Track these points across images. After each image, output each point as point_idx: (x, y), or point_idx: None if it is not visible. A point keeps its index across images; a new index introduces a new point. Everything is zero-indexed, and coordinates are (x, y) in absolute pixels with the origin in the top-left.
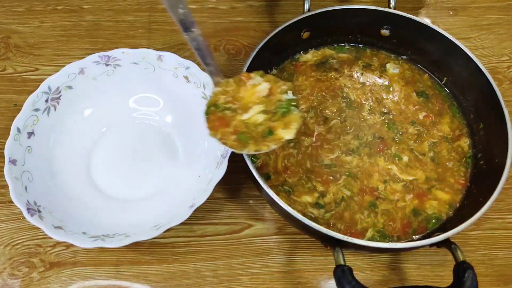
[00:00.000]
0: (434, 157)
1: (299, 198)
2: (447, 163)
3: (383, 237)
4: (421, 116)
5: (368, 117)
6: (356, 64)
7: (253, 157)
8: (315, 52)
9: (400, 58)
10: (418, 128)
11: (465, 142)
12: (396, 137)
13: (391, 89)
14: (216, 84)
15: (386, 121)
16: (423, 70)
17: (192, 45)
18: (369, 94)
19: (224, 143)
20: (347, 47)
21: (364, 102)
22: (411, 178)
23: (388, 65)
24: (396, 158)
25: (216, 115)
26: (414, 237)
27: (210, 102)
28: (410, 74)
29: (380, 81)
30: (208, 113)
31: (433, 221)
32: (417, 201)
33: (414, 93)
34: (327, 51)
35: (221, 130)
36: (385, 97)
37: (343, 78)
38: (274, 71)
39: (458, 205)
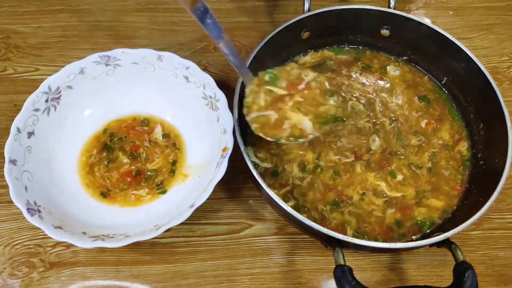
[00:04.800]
0: (432, 167)
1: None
2: (443, 171)
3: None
4: (423, 124)
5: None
6: (355, 65)
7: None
8: (313, 54)
9: (400, 59)
10: (420, 138)
11: (463, 146)
12: (399, 151)
13: (393, 91)
14: (248, 81)
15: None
16: (423, 72)
17: (224, 50)
18: (369, 95)
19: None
20: (346, 48)
21: (363, 102)
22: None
23: (388, 68)
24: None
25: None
26: (413, 237)
27: (247, 102)
28: (410, 76)
29: (381, 83)
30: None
31: (427, 223)
32: (399, 214)
33: (416, 98)
34: (326, 53)
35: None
36: (389, 100)
37: (342, 78)
38: None
39: (453, 208)
